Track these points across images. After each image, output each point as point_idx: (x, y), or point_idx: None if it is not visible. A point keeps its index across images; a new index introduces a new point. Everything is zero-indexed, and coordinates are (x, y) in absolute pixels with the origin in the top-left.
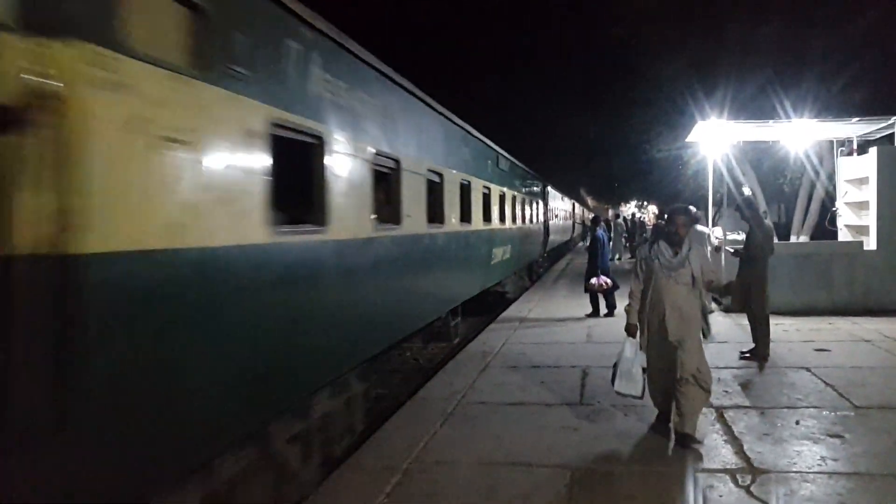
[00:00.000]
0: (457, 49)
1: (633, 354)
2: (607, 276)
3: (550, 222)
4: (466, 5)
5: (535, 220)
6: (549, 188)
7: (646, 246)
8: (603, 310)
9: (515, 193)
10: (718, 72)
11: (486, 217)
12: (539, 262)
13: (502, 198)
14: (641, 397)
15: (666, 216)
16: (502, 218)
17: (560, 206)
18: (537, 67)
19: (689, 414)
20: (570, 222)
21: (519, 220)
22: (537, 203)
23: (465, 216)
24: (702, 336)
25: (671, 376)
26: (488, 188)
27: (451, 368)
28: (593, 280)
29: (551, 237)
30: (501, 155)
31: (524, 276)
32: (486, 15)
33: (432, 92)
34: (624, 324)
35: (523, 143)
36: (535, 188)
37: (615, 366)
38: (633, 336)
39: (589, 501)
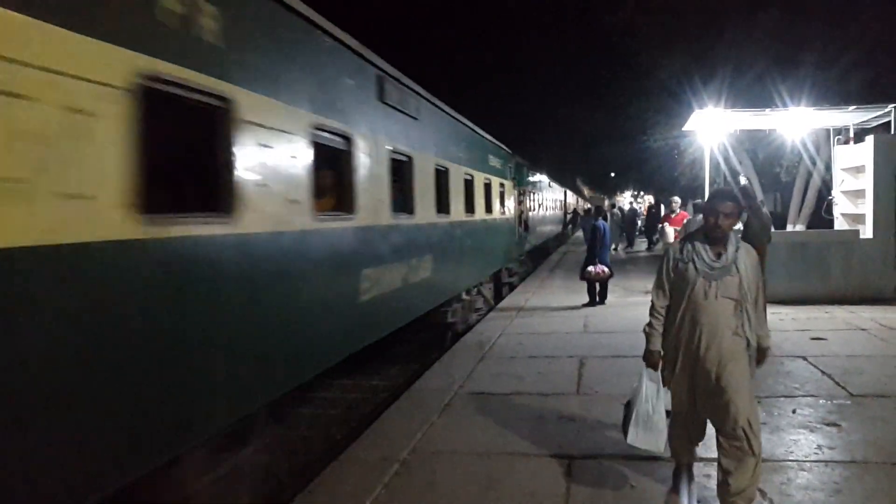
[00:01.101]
0: (454, 38)
1: (653, 393)
2: (605, 265)
3: (532, 214)
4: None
5: (502, 210)
6: (530, 170)
7: (677, 244)
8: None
9: (466, 171)
10: (715, 60)
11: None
12: (512, 268)
13: (434, 174)
14: (663, 451)
15: (706, 201)
16: (424, 206)
17: (548, 194)
18: (534, 56)
19: (746, 486)
20: (562, 213)
21: (469, 211)
22: (507, 187)
23: (343, 203)
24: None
25: (703, 425)
26: (405, 157)
27: (448, 359)
28: (591, 268)
29: (534, 232)
30: (434, 107)
31: (480, 292)
32: (484, 4)
33: (430, 80)
34: (621, 314)
35: (520, 131)
36: (502, 165)
37: (627, 406)
38: (655, 368)
39: (587, 490)
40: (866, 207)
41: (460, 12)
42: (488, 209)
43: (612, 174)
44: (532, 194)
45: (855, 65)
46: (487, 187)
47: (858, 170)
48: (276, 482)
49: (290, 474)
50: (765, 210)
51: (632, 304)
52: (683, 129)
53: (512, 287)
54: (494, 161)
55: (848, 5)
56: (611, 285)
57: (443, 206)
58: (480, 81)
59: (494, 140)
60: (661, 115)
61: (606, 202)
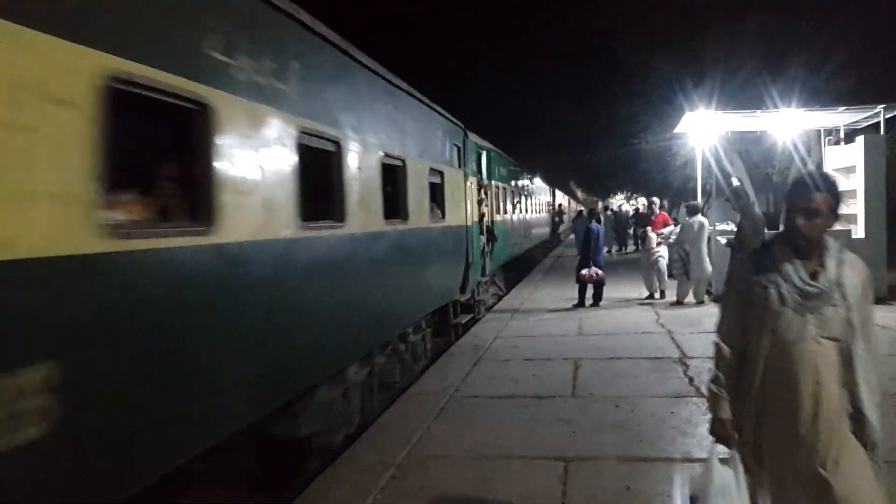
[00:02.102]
0: (445, 39)
1: (729, 482)
2: (599, 267)
3: (505, 218)
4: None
5: (455, 215)
6: (501, 159)
7: (744, 257)
8: (589, 300)
9: (381, 153)
10: (706, 63)
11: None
12: (473, 296)
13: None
14: None
15: (788, 195)
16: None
17: (528, 191)
18: (525, 58)
19: None
20: (549, 217)
21: (388, 216)
22: (457, 180)
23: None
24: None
25: None
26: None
27: (443, 362)
28: (584, 271)
29: (508, 242)
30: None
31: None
32: (477, 5)
33: (425, 81)
34: (615, 316)
35: (512, 133)
36: (450, 148)
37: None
38: (729, 444)
39: (583, 493)
40: (857, 207)
41: (452, 13)
42: (424, 213)
43: (605, 176)
44: (504, 192)
45: (844, 66)
46: (424, 181)
47: (849, 170)
48: (271, 487)
49: (286, 479)
50: (758, 212)
51: (626, 306)
52: (675, 131)
53: (468, 325)
54: (437, 141)
55: (836, 7)
56: (604, 287)
57: (329, 210)
58: (471, 82)
59: (439, 109)
60: (652, 117)
61: (600, 204)
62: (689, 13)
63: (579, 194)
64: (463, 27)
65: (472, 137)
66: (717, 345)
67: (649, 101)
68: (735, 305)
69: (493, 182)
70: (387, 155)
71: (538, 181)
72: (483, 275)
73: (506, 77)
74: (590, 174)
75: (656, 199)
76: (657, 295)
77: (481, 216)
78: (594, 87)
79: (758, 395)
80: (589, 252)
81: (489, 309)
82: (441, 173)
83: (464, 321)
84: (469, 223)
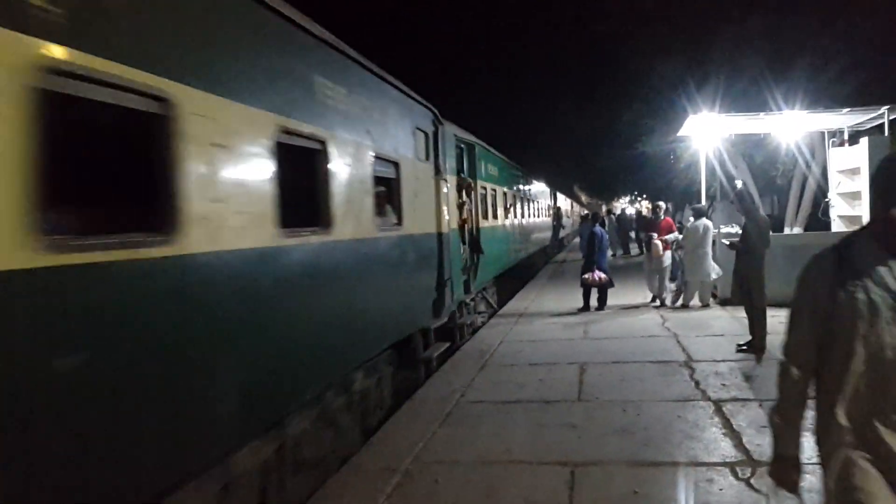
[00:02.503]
0: (450, 44)
1: None
2: (604, 271)
3: (494, 224)
4: (462, 5)
5: (421, 220)
6: (487, 154)
7: (821, 257)
8: (594, 304)
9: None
10: (709, 65)
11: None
12: (455, 319)
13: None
14: None
15: (880, 182)
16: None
17: (527, 194)
18: (529, 63)
19: None
20: (550, 221)
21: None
22: (425, 176)
23: None
24: None
25: None
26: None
27: (449, 367)
28: (587, 275)
29: (497, 253)
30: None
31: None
32: (480, 10)
33: (429, 86)
34: (620, 320)
35: (517, 138)
36: (422, 137)
37: None
38: (792, 489)
39: (590, 498)
40: (863, 209)
41: (455, 19)
42: (363, 218)
43: (609, 180)
44: (496, 195)
45: (849, 68)
46: (362, 172)
47: (854, 171)
48: (279, 492)
49: (293, 484)
50: (763, 215)
51: (631, 310)
52: (678, 134)
53: (435, 365)
54: (388, 121)
55: (839, 9)
56: (609, 290)
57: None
58: (476, 87)
59: (395, 82)
60: (656, 120)
61: (604, 208)
62: (693, 16)
63: (583, 198)
64: (467, 32)
65: (451, 129)
66: (782, 366)
67: (653, 104)
68: (809, 317)
69: (480, 182)
70: (287, 131)
71: (539, 183)
72: (467, 292)
73: (510, 81)
74: (594, 177)
75: (662, 204)
76: (659, 301)
77: (463, 222)
78: (598, 91)
79: (852, 414)
80: (593, 256)
81: (475, 331)
82: (396, 165)
83: (440, 350)
84: (444, 230)
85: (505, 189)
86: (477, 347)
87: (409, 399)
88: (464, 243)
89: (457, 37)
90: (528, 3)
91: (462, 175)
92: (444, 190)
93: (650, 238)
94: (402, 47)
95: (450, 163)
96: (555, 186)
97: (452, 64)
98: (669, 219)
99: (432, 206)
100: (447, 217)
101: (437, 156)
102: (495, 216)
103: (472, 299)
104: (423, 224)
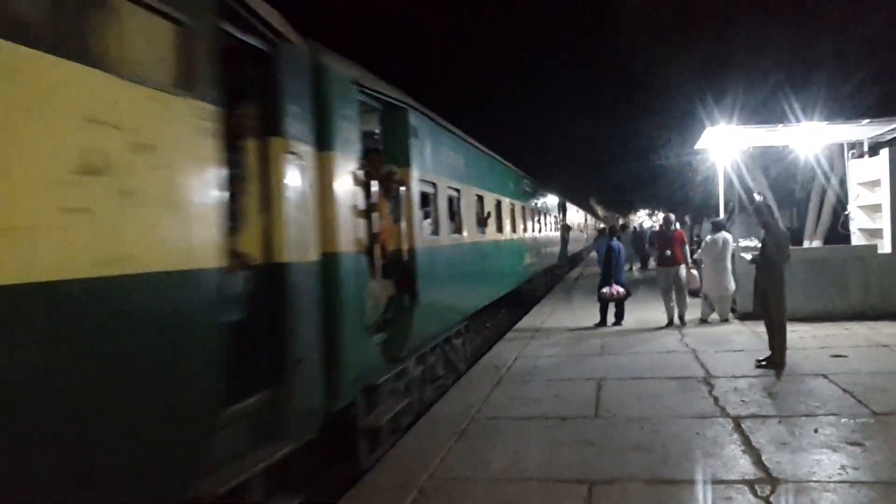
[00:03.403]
0: (470, 61)
1: None
2: (621, 285)
3: (473, 241)
4: (477, 18)
5: (188, 237)
6: (465, 144)
7: None
8: (611, 319)
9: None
10: (727, 77)
11: None
12: (350, 415)
13: None
14: None
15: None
16: None
17: (527, 203)
18: (546, 76)
19: None
20: (560, 237)
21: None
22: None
23: None
24: None
25: None
26: None
27: (464, 383)
28: (605, 289)
29: (476, 283)
30: None
31: None
32: (496, 25)
33: (446, 101)
34: (638, 335)
35: (536, 152)
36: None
37: None
38: None
39: None
40: (883, 222)
41: (473, 32)
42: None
43: (626, 193)
44: (467, 200)
45: (868, 79)
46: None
47: (874, 184)
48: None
49: (309, 501)
50: (782, 228)
51: (650, 325)
52: (696, 146)
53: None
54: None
55: (860, 20)
56: (627, 306)
57: None
58: (495, 101)
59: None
60: (673, 132)
61: (620, 221)
62: (710, 28)
63: (600, 211)
64: (484, 45)
65: (342, 67)
66: None
67: (670, 116)
68: None
69: (426, 176)
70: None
71: (544, 192)
72: (392, 360)
73: (527, 94)
74: (611, 190)
75: (672, 216)
76: (680, 321)
77: (375, 239)
78: (615, 103)
79: None
80: (610, 270)
81: (400, 432)
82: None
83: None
84: (314, 257)
85: (484, 192)
86: (492, 363)
87: (424, 415)
88: (384, 276)
89: (474, 49)
90: (544, 17)
91: (374, 156)
92: (300, 177)
93: (663, 253)
94: (422, 60)
95: (342, 133)
96: (565, 197)
97: (470, 77)
98: (681, 231)
99: (257, 209)
100: (314, 228)
101: (273, 99)
102: (460, 230)
103: (406, 370)
104: (197, 251)
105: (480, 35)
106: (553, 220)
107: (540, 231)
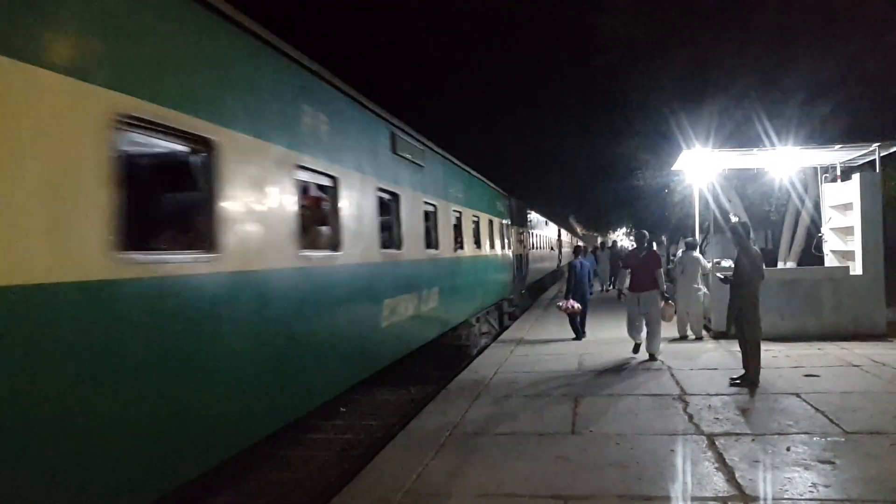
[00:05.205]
0: (450, 81)
1: None
2: (578, 301)
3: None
4: (458, 37)
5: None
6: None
7: None
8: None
9: None
10: (704, 101)
11: None
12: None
13: None
14: None
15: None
16: None
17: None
18: (526, 98)
19: None
20: (512, 260)
21: None
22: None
23: None
24: None
25: None
26: None
27: (442, 398)
28: (560, 303)
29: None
30: None
31: None
32: (476, 45)
33: (428, 122)
34: (616, 352)
35: (516, 172)
36: None
37: None
38: None
39: None
40: (855, 244)
41: (454, 53)
42: None
43: (604, 212)
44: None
45: (841, 105)
46: None
47: (846, 207)
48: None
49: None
50: (755, 248)
51: (626, 343)
52: (673, 168)
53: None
54: None
55: (833, 48)
56: (604, 323)
57: None
58: (474, 124)
59: None
60: (651, 154)
61: (599, 239)
62: (688, 53)
63: (579, 230)
64: (465, 64)
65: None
66: None
67: (648, 138)
68: None
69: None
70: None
71: (490, 191)
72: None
73: (507, 115)
74: (591, 211)
75: (645, 233)
76: (648, 353)
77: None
78: (594, 126)
79: None
80: (570, 286)
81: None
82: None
83: None
84: None
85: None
86: (471, 378)
87: (402, 430)
88: None
89: (456, 68)
90: (522, 42)
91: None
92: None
93: (634, 276)
94: (405, 84)
95: None
96: (529, 207)
97: (454, 101)
98: (656, 252)
99: None
100: None
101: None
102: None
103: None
104: None
105: (463, 54)
106: (505, 234)
107: (497, 249)
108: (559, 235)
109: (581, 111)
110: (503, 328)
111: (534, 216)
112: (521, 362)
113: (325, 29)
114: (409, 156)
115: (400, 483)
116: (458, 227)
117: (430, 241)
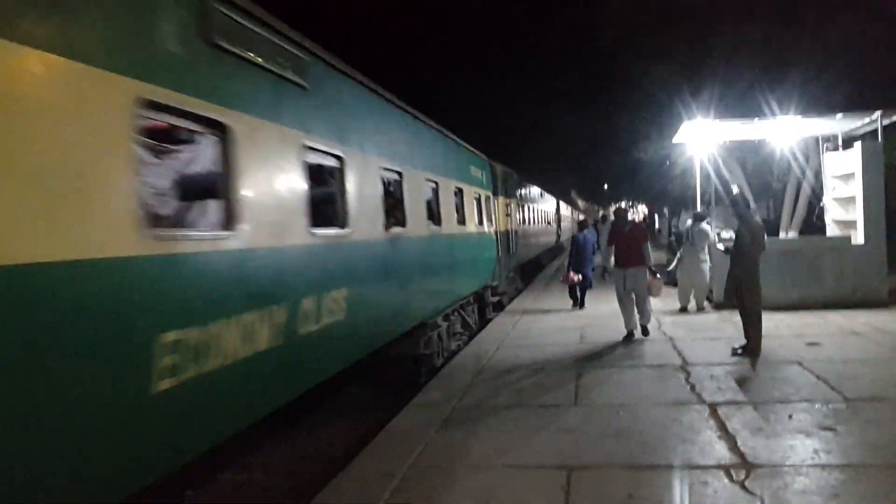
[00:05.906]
0: (455, 56)
1: None
2: (580, 273)
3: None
4: (462, 13)
5: None
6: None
7: None
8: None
9: None
10: (705, 72)
11: None
12: None
13: None
14: None
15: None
16: None
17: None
18: (527, 70)
19: None
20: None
21: None
22: None
23: None
24: None
25: None
26: None
27: (446, 373)
28: (561, 276)
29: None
30: None
31: None
32: (479, 20)
33: (426, 93)
34: (616, 325)
35: (515, 143)
36: None
37: None
38: None
39: (585, 501)
40: (857, 213)
41: (454, 26)
42: None
43: (607, 185)
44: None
45: (842, 74)
46: None
47: (848, 176)
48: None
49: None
50: (756, 218)
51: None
52: (674, 140)
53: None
54: None
55: (834, 16)
56: (604, 296)
57: None
58: (475, 94)
59: None
60: (652, 126)
61: (601, 213)
62: (689, 24)
63: (581, 203)
64: (466, 39)
65: None
66: None
67: (649, 110)
68: None
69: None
70: None
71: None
72: None
73: (508, 88)
74: (592, 183)
75: (622, 206)
76: (641, 332)
77: None
78: (595, 98)
79: None
80: (572, 258)
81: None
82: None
83: None
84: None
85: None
86: (474, 353)
87: (406, 404)
88: None
89: (456, 46)
90: (524, 14)
91: None
92: None
93: (620, 251)
94: (403, 58)
95: None
96: (525, 178)
97: (453, 73)
98: (640, 225)
99: None
100: None
101: None
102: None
103: None
104: None
105: (464, 28)
106: (486, 207)
107: (435, 223)
108: (558, 209)
109: (583, 84)
110: (486, 322)
111: (528, 188)
112: (523, 335)
113: None
114: (256, 56)
115: (404, 457)
116: (393, 195)
117: (327, 215)
